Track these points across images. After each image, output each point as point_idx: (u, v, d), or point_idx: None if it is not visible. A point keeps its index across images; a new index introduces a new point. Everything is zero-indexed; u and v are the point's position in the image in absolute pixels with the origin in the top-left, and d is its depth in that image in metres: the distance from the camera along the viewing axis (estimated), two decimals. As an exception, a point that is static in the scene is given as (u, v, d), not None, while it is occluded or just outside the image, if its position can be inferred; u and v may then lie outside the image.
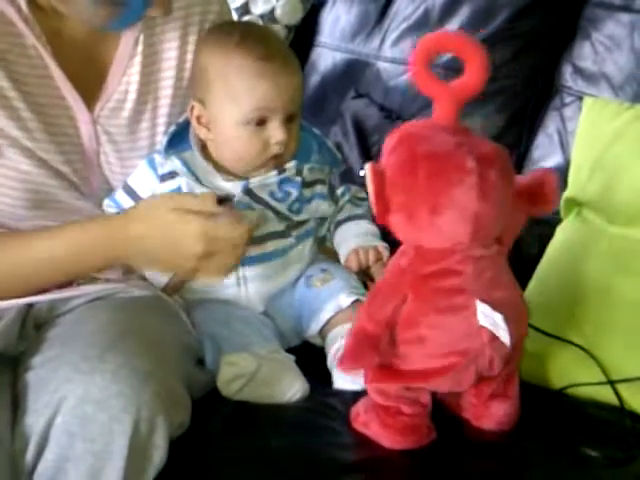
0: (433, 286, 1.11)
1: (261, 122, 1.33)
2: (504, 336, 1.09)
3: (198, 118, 1.37)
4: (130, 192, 1.38)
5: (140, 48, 1.35)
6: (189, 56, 1.40)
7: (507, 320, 1.08)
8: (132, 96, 1.35)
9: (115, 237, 1.24)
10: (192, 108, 1.37)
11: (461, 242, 1.08)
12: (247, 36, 1.34)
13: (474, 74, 1.09)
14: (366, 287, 1.43)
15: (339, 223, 1.47)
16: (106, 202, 1.38)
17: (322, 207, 1.45)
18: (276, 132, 1.33)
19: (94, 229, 1.26)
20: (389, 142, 1.12)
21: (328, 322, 1.38)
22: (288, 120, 1.34)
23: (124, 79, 1.35)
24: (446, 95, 1.10)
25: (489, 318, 1.09)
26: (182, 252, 1.21)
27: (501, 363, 1.14)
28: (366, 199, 1.51)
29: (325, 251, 1.49)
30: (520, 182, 1.14)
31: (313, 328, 1.40)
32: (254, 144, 1.34)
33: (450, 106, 1.10)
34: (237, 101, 1.32)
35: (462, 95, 1.10)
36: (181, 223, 1.20)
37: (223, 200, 1.24)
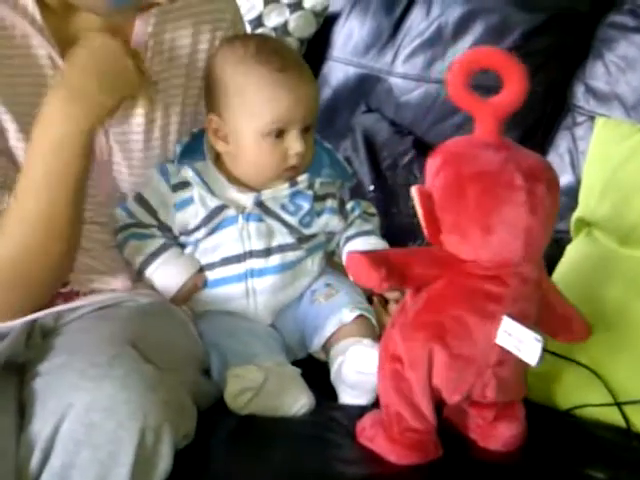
0: (475, 285, 1.11)
1: (279, 134, 1.33)
2: (529, 354, 1.08)
3: (216, 131, 1.37)
4: (141, 201, 1.39)
5: (149, 55, 1.36)
6: (200, 64, 1.40)
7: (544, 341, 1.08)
8: (143, 103, 1.35)
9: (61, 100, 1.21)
10: (210, 121, 1.37)
11: (514, 257, 1.09)
12: (263, 48, 1.35)
13: (514, 89, 1.09)
14: (371, 302, 1.43)
15: (348, 239, 1.47)
16: (118, 211, 1.39)
17: (332, 222, 1.45)
18: (294, 143, 1.34)
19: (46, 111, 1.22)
20: (433, 163, 1.12)
21: (331, 337, 1.38)
22: (304, 131, 1.35)
23: None
24: (487, 111, 1.10)
25: (512, 338, 1.08)
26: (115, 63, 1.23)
27: (494, 393, 1.14)
28: (376, 214, 1.51)
29: (334, 265, 1.49)
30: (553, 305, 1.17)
31: (316, 343, 1.40)
32: (273, 156, 1.34)
33: (492, 122, 1.10)
34: (255, 113, 1.33)
35: (503, 111, 1.10)
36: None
37: None
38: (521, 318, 1.10)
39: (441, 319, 1.11)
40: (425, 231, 1.10)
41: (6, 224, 1.23)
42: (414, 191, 1.09)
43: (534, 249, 1.09)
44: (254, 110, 1.33)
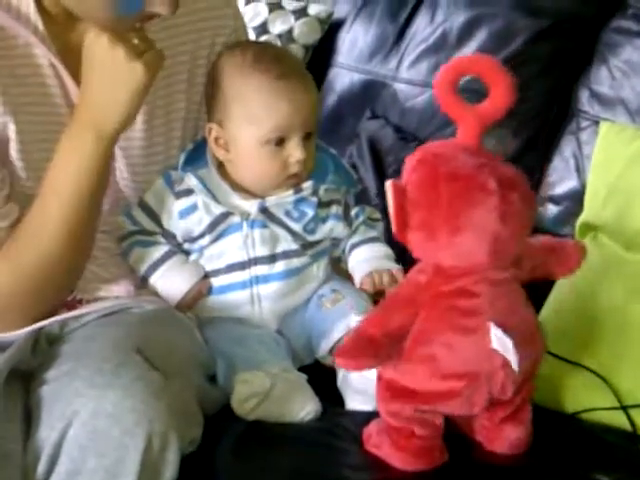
0: (448, 304, 1.11)
1: (280, 141, 1.34)
2: (513, 361, 1.09)
3: (216, 140, 1.37)
4: (146, 208, 1.39)
5: None
6: (201, 70, 1.40)
7: (517, 346, 1.08)
8: (144, 108, 1.35)
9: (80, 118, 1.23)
10: (210, 130, 1.37)
11: (478, 263, 1.08)
12: (263, 56, 1.35)
13: (499, 97, 1.09)
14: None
15: (353, 246, 1.47)
16: (122, 218, 1.39)
17: (337, 228, 1.44)
18: (295, 151, 1.34)
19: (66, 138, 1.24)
20: (411, 160, 1.13)
21: (338, 342, 1.37)
22: (305, 138, 1.35)
23: None
24: (470, 118, 1.11)
25: (502, 342, 1.09)
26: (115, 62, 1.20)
27: (513, 388, 1.14)
28: (380, 220, 1.51)
29: (339, 271, 1.49)
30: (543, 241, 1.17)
31: (323, 348, 1.39)
32: (274, 164, 1.35)
33: (474, 128, 1.11)
34: (255, 121, 1.33)
35: (486, 118, 1.11)
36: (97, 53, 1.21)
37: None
38: (507, 314, 1.10)
39: (432, 350, 1.12)
40: (393, 226, 1.10)
41: (25, 232, 1.24)
42: (387, 185, 1.10)
43: (500, 256, 1.09)
44: (253, 118, 1.33)
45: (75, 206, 1.23)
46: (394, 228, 1.10)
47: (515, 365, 1.09)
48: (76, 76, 1.28)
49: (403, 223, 1.09)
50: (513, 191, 1.07)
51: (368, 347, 1.11)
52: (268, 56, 1.36)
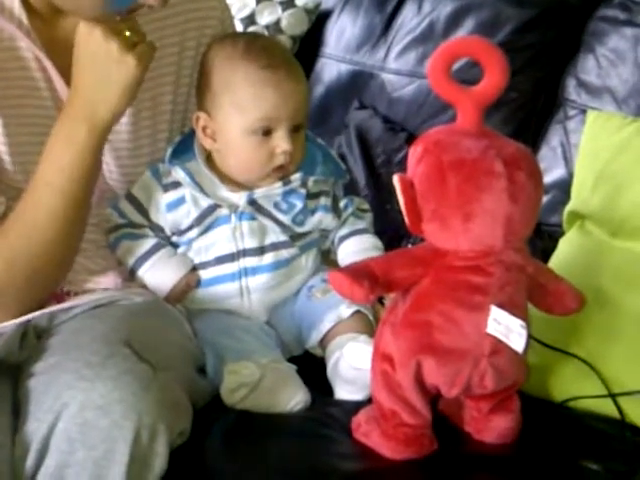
0: (459, 278, 1.11)
1: (267, 132, 1.33)
2: (517, 342, 1.09)
3: (204, 129, 1.37)
4: (133, 201, 1.39)
5: None
6: (188, 62, 1.40)
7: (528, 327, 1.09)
8: None
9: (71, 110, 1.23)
10: (197, 119, 1.37)
11: (494, 245, 1.09)
12: (252, 46, 1.35)
13: (494, 77, 1.09)
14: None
15: (342, 238, 1.47)
16: (109, 211, 1.39)
17: (326, 219, 1.45)
18: (281, 142, 1.34)
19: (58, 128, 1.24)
20: (414, 152, 1.13)
21: (328, 333, 1.38)
22: (294, 130, 1.35)
23: None
24: (468, 100, 1.11)
25: (500, 326, 1.09)
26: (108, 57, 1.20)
27: (493, 382, 1.14)
28: (369, 210, 1.52)
29: (329, 263, 1.49)
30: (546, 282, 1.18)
31: (314, 338, 1.40)
32: (260, 154, 1.35)
33: (473, 111, 1.11)
34: (243, 111, 1.33)
35: (484, 99, 1.11)
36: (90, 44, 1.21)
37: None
38: (509, 304, 1.10)
39: (429, 317, 1.12)
40: (406, 220, 1.10)
41: (16, 224, 1.25)
42: (396, 179, 1.10)
43: (515, 237, 1.10)
44: (241, 107, 1.33)
45: (67, 197, 1.23)
46: (407, 222, 1.10)
47: (519, 345, 1.09)
48: (62, 69, 1.28)
49: (416, 216, 1.10)
50: (520, 170, 1.07)
51: (365, 278, 1.10)
52: (258, 46, 1.35)
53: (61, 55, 1.26)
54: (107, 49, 1.20)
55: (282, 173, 1.37)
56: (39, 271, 1.26)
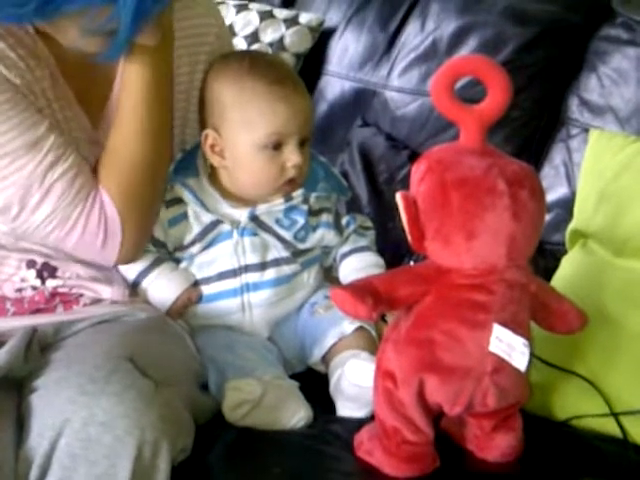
0: (462, 296, 1.11)
1: (277, 146, 1.34)
2: (519, 360, 1.09)
3: (212, 147, 1.37)
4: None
5: None
6: (184, 78, 1.40)
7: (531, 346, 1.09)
8: None
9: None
10: (206, 137, 1.37)
11: (498, 263, 1.09)
12: (257, 62, 1.36)
13: (497, 96, 1.10)
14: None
15: (344, 256, 1.48)
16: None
17: (327, 236, 1.45)
18: (292, 155, 1.34)
19: None
20: (417, 169, 1.13)
21: (331, 349, 1.38)
22: (301, 145, 1.35)
23: None
24: (471, 119, 1.11)
25: (503, 344, 1.09)
26: None
27: (495, 400, 1.14)
28: (371, 228, 1.52)
29: (331, 280, 1.49)
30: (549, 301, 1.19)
31: (316, 355, 1.40)
32: (271, 168, 1.35)
33: (476, 129, 1.11)
34: (252, 126, 1.33)
35: (487, 118, 1.11)
36: None
37: None
38: (512, 323, 1.10)
39: (432, 334, 1.12)
40: (409, 237, 1.11)
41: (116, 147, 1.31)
42: (399, 197, 1.10)
43: (518, 255, 1.10)
44: (251, 123, 1.33)
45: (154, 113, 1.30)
46: (410, 240, 1.10)
47: (522, 364, 1.09)
48: (68, 80, 1.30)
49: (419, 234, 1.10)
50: (523, 188, 1.08)
51: (368, 295, 1.10)
52: (263, 63, 1.37)
53: (68, 67, 1.29)
54: None
55: (292, 187, 1.38)
56: (146, 182, 1.31)
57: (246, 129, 1.34)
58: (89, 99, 1.34)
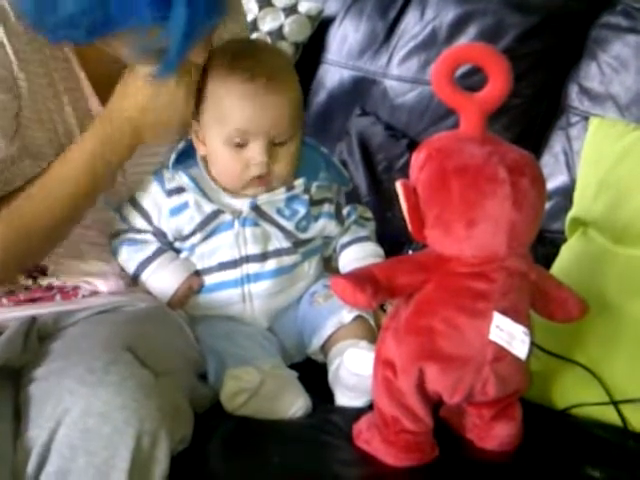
0: (462, 284, 1.11)
1: (243, 143, 1.33)
2: (519, 349, 1.09)
3: (197, 134, 1.38)
4: (136, 206, 1.40)
5: None
6: None
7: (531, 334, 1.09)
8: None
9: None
10: (193, 125, 1.37)
11: (498, 251, 1.09)
12: (239, 56, 1.34)
13: (498, 84, 1.09)
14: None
15: (344, 246, 1.47)
16: (112, 215, 1.39)
17: (329, 226, 1.45)
18: (256, 154, 1.33)
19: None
20: (417, 157, 1.13)
21: (330, 338, 1.38)
22: (277, 143, 1.34)
23: None
24: (471, 106, 1.11)
25: (503, 332, 1.09)
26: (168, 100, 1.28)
27: (495, 389, 1.14)
28: (372, 219, 1.52)
29: (331, 270, 1.49)
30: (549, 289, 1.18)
31: (315, 344, 1.40)
32: (235, 164, 1.35)
33: (476, 117, 1.11)
34: (222, 121, 1.33)
35: (487, 105, 1.11)
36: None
37: None
38: (512, 311, 1.10)
39: (432, 323, 1.12)
40: (409, 226, 1.10)
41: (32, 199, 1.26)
42: (399, 185, 1.10)
43: (518, 243, 1.10)
44: (220, 117, 1.33)
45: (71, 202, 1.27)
46: (410, 228, 1.10)
47: (522, 352, 1.09)
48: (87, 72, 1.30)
49: (419, 222, 1.10)
50: (523, 176, 1.07)
51: (368, 284, 1.10)
52: (245, 57, 1.35)
53: (87, 61, 1.29)
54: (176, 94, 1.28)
55: (262, 184, 1.37)
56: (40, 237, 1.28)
57: (217, 123, 1.34)
58: (108, 91, 1.32)
